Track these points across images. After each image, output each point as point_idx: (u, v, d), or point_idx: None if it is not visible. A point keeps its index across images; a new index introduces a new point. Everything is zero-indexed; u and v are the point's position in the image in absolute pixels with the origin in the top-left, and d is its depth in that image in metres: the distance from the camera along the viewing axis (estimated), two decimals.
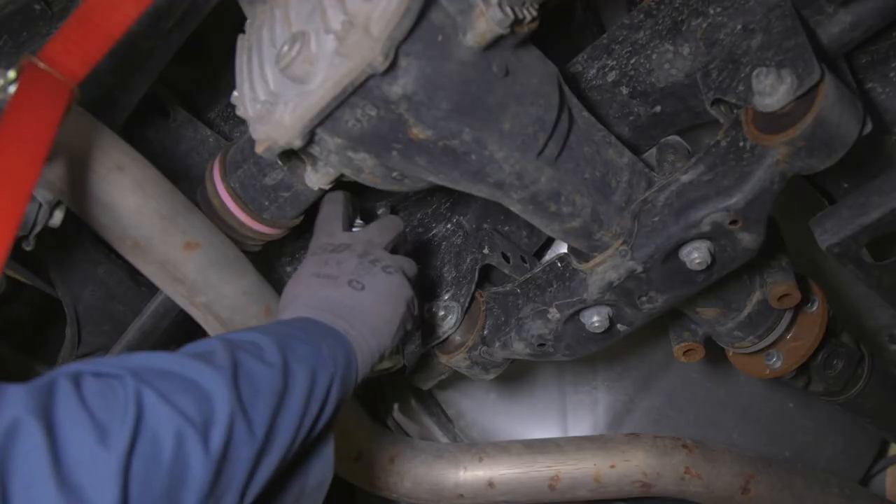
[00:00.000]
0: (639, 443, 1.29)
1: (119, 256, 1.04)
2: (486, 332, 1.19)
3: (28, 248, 1.00)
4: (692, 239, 0.97)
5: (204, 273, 0.94)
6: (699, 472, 1.29)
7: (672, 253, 0.99)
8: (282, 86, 0.84)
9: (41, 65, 0.78)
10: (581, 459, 1.30)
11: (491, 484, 1.30)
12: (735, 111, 0.99)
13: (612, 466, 1.28)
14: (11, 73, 0.76)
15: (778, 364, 1.22)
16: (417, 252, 1.31)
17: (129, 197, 0.89)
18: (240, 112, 0.91)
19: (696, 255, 0.97)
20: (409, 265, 1.00)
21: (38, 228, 0.98)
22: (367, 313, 0.88)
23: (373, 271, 0.92)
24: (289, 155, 0.97)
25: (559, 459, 1.30)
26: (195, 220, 0.94)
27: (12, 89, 0.76)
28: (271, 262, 1.32)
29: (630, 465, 1.28)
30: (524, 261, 1.28)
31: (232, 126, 1.37)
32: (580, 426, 1.70)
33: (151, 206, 0.90)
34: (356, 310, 0.88)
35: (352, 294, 0.89)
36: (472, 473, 1.30)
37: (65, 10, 1.02)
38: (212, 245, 0.95)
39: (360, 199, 1.18)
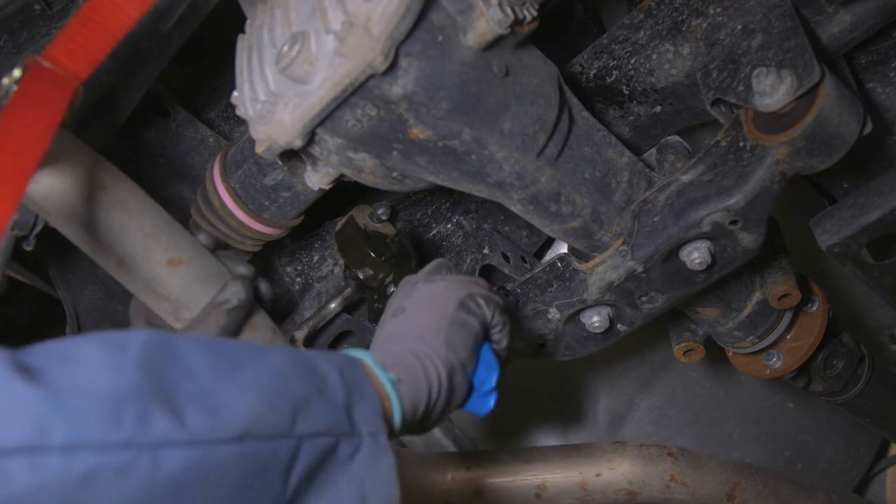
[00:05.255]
0: (624, 451, 1.30)
1: None
2: None
3: (28, 248, 1.00)
4: (692, 239, 0.97)
5: (188, 289, 0.95)
6: (684, 480, 1.29)
7: (672, 253, 0.99)
8: (282, 86, 0.84)
9: (45, 64, 0.78)
10: (567, 468, 1.30)
11: (478, 492, 1.30)
12: (735, 111, 0.99)
13: (598, 475, 1.29)
14: (17, 72, 0.76)
15: (778, 364, 1.22)
16: (417, 252, 1.31)
17: (113, 216, 0.90)
18: (240, 112, 0.91)
19: (696, 255, 0.97)
20: (467, 277, 0.93)
21: (38, 228, 0.98)
22: (402, 335, 0.84)
23: (412, 291, 0.89)
24: (289, 155, 0.97)
25: (546, 468, 1.30)
26: (178, 236, 0.95)
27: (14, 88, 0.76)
28: (271, 262, 1.32)
29: (616, 474, 1.29)
30: (524, 261, 1.28)
31: (232, 126, 1.37)
32: (580, 426, 1.70)
33: (134, 224, 0.91)
34: (394, 334, 0.84)
35: (393, 323, 0.86)
36: (460, 482, 1.30)
37: (65, 10, 1.02)
38: (195, 261, 0.96)
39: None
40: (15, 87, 0.76)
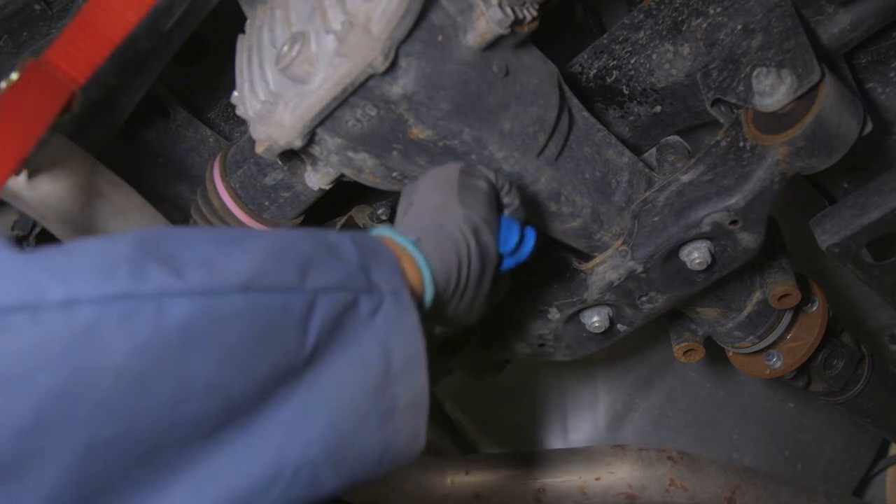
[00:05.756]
0: (624, 455, 1.30)
1: None
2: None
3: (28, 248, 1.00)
4: (692, 239, 0.97)
5: None
6: (684, 484, 1.30)
7: (672, 253, 0.99)
8: (282, 86, 0.84)
9: (42, 66, 0.78)
10: (567, 472, 1.30)
11: (477, 496, 1.30)
12: (735, 111, 0.99)
13: (598, 479, 1.29)
14: (14, 75, 0.76)
15: (778, 364, 1.22)
16: None
17: (110, 222, 0.90)
18: (240, 112, 0.91)
19: (696, 255, 0.97)
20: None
21: (38, 228, 0.98)
22: (417, 216, 0.82)
23: (413, 188, 0.87)
24: (289, 155, 0.97)
25: (545, 472, 1.31)
26: None
27: None
28: None
29: (615, 478, 1.29)
30: None
31: (232, 126, 1.36)
32: (580, 426, 1.70)
33: (132, 230, 0.91)
34: (409, 223, 0.82)
35: (405, 219, 0.84)
36: (459, 486, 1.30)
37: (65, 11, 1.02)
38: None
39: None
40: None
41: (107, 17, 0.80)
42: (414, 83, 0.80)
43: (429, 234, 0.76)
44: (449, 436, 1.68)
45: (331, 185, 1.00)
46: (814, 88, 0.89)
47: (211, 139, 1.26)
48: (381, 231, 0.75)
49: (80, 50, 0.79)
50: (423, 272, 0.73)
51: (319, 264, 0.65)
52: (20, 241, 0.99)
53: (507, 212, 0.87)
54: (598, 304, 1.06)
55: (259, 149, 0.88)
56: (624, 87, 1.14)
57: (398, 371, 0.68)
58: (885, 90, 1.19)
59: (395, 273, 0.70)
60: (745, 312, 1.15)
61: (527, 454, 1.35)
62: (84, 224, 0.89)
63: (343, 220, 1.24)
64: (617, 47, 1.15)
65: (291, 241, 0.66)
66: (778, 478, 1.40)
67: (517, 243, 0.84)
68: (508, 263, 0.84)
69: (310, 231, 0.69)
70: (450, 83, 0.82)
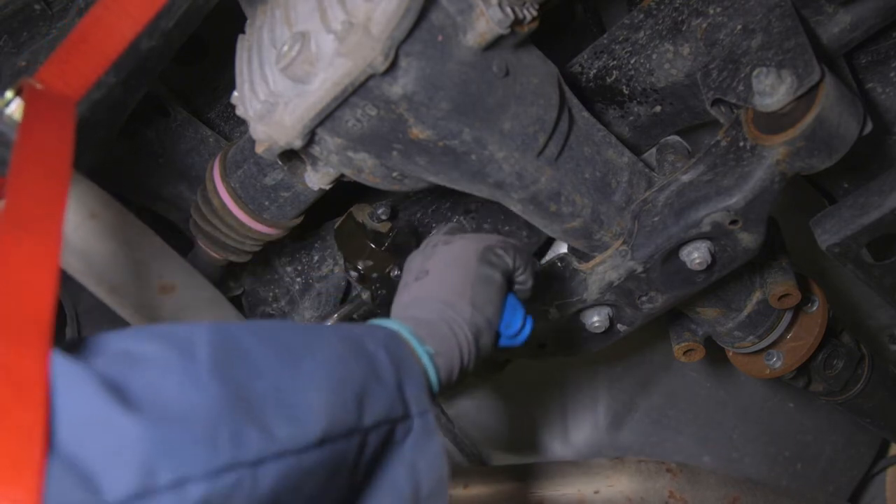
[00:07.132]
0: (623, 467, 1.29)
1: None
2: None
3: None
4: (692, 239, 0.97)
5: (180, 316, 0.95)
6: (683, 496, 1.29)
7: (672, 253, 0.99)
8: (282, 86, 0.84)
9: (38, 86, 0.76)
10: (566, 485, 1.30)
11: None
12: (735, 111, 0.99)
13: (597, 492, 1.28)
14: (9, 94, 0.75)
15: (778, 364, 1.22)
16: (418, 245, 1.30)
17: (103, 243, 0.89)
18: (240, 112, 0.91)
19: (696, 255, 0.97)
20: (483, 235, 0.92)
21: None
22: (431, 296, 0.83)
23: (432, 253, 0.87)
24: (289, 155, 0.97)
25: (544, 485, 1.30)
26: (170, 262, 0.95)
27: (8, 111, 0.75)
28: (271, 262, 1.32)
29: (614, 491, 1.28)
30: None
31: (232, 126, 1.36)
32: (580, 426, 1.70)
33: (125, 251, 0.91)
34: (420, 299, 0.83)
35: (417, 287, 0.85)
36: (458, 500, 1.29)
37: (65, 11, 1.02)
38: (188, 287, 0.95)
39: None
40: (6, 110, 0.75)
41: (103, 33, 0.79)
42: (414, 83, 0.80)
43: (442, 341, 0.78)
44: (449, 436, 1.67)
45: (331, 185, 1.00)
46: (814, 88, 0.89)
47: (211, 139, 1.26)
48: (405, 333, 0.76)
49: (76, 68, 0.78)
50: (433, 386, 0.76)
51: (370, 395, 0.66)
52: None
53: (516, 288, 0.89)
54: (598, 303, 1.06)
55: (259, 149, 0.89)
56: (624, 87, 1.14)
57: (426, 498, 0.70)
58: (885, 90, 1.19)
59: (423, 392, 0.72)
60: (745, 312, 1.15)
61: (525, 467, 1.34)
62: (77, 246, 0.88)
63: (343, 218, 1.24)
64: (617, 47, 1.15)
65: (345, 367, 0.66)
66: (777, 489, 1.39)
67: (518, 329, 0.87)
68: (504, 343, 0.88)
69: (353, 343, 0.69)
70: (450, 83, 0.82)
